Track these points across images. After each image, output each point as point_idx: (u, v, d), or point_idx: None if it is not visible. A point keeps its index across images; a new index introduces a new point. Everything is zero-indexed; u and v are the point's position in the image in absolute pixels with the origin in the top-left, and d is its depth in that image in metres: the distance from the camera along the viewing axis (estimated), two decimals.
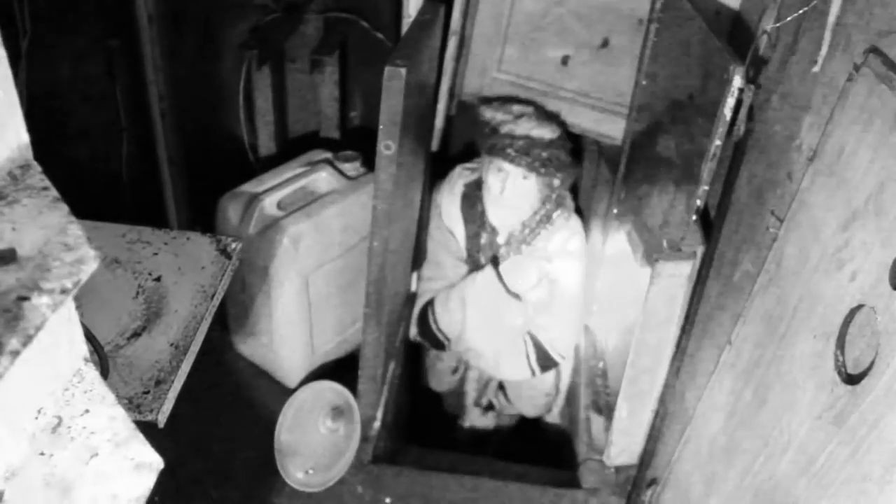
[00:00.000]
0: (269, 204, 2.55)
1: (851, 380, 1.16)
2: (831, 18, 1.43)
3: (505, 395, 2.96)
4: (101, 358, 1.34)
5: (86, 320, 1.01)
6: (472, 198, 2.65)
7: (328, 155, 2.81)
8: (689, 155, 1.80)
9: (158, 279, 1.69)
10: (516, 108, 2.50)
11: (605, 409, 2.55)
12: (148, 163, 2.94)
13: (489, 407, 3.03)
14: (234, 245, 1.80)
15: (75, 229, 0.73)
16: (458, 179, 2.70)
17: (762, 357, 1.52)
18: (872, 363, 1.10)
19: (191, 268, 1.72)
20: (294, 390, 2.52)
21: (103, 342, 1.44)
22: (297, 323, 2.62)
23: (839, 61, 1.40)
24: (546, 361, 2.74)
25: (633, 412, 2.20)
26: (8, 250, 0.70)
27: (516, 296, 2.63)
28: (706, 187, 1.72)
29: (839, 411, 1.17)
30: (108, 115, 2.87)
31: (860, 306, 1.17)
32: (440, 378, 3.02)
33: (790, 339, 1.40)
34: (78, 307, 0.93)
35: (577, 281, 2.68)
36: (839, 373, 1.19)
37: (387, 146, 1.87)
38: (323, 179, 2.70)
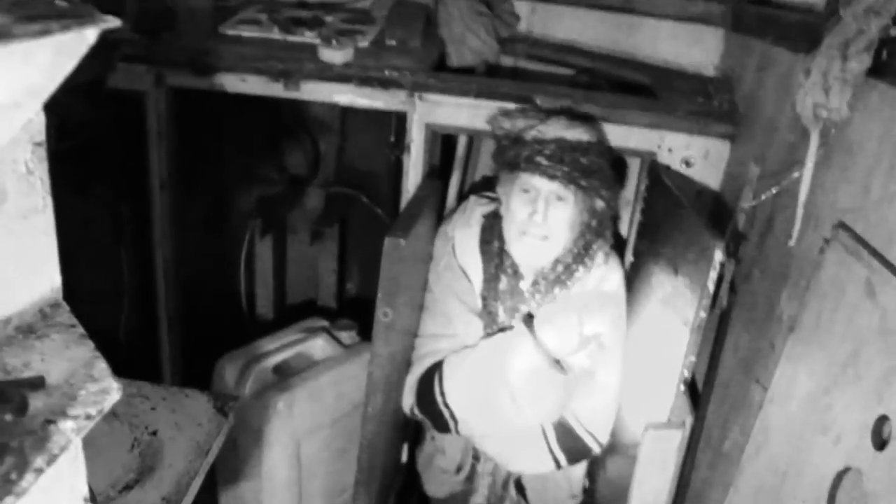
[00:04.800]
0: (266, 368, 2.59)
1: None
2: (802, 197, 1.54)
3: (524, 495, 2.32)
4: None
5: None
6: (491, 231, 2.13)
7: (325, 323, 2.87)
8: (676, 326, 1.87)
9: (154, 433, 1.70)
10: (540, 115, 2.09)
11: None
12: (147, 323, 2.99)
13: None
14: (231, 404, 1.82)
15: (101, 363, 0.78)
16: (476, 208, 2.20)
17: None
18: None
19: (187, 424, 1.74)
20: None
21: (95, 493, 1.44)
22: (287, 488, 2.59)
23: (811, 236, 1.50)
24: (575, 447, 2.12)
25: None
26: (37, 377, 0.75)
27: (556, 362, 1.99)
28: (693, 358, 1.78)
29: None
30: (112, 276, 2.94)
31: (847, 469, 1.20)
32: (439, 479, 2.40)
33: None
34: None
35: (619, 333, 2.13)
36: None
37: (384, 314, 1.92)
38: (319, 346, 2.75)
